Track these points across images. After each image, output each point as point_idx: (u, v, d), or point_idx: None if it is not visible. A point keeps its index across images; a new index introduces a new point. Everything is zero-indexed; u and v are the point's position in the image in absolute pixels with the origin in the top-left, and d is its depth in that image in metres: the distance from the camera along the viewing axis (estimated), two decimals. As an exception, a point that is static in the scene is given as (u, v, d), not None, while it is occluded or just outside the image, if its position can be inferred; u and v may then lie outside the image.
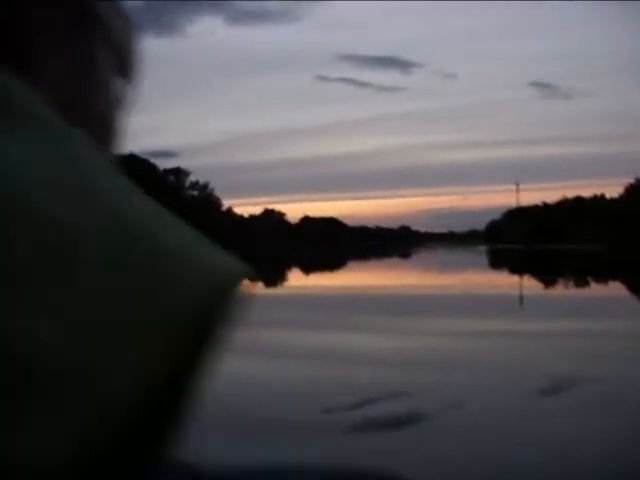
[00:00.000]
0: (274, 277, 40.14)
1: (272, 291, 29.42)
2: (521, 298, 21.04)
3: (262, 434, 6.17)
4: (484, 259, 63.61)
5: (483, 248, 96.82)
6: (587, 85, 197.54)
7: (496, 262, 57.65)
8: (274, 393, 8.05)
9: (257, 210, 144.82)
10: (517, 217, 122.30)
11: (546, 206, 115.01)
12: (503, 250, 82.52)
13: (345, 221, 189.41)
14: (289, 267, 55.51)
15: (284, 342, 12.48)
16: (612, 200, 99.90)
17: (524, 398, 7.36)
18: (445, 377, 8.77)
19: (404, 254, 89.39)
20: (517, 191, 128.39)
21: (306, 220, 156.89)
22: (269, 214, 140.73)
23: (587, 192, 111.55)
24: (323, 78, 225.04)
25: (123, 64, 0.46)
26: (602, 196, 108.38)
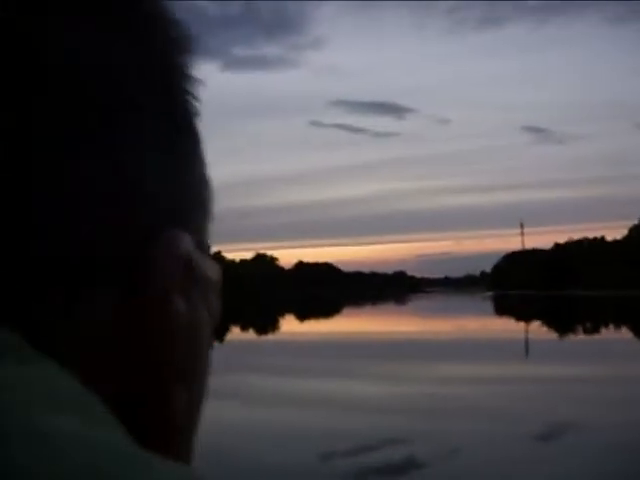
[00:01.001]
0: (267, 324, 40.21)
1: (266, 338, 29.50)
2: (527, 347, 21.18)
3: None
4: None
5: (488, 294, 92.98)
6: (579, 129, 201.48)
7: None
8: (269, 440, 8.21)
9: (249, 255, 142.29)
10: (523, 261, 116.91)
11: (558, 248, 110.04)
12: (512, 297, 77.94)
13: (340, 266, 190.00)
14: (283, 313, 55.55)
15: (278, 389, 12.63)
16: (618, 242, 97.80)
17: (520, 444, 7.53)
18: (442, 424, 8.94)
19: (400, 300, 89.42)
20: (522, 234, 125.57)
21: (300, 265, 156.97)
22: (261, 259, 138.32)
23: (579, 236, 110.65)
24: (317, 124, 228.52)
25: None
26: (603, 238, 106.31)
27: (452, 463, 6.87)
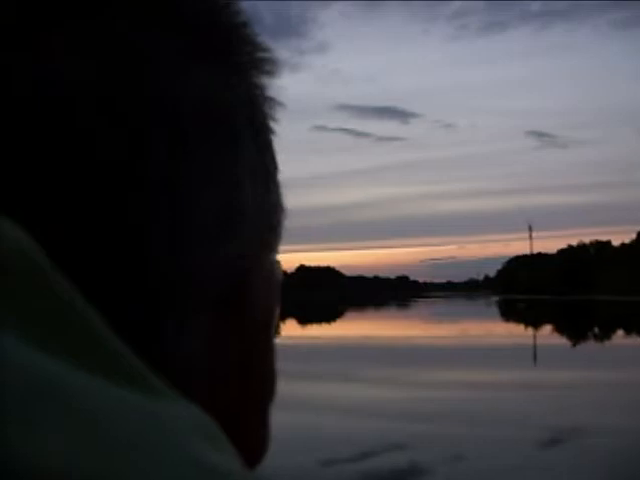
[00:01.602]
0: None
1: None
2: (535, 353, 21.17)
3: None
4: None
5: (494, 299, 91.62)
6: (584, 134, 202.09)
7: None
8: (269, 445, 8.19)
9: None
10: (531, 264, 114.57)
11: (567, 251, 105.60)
12: (520, 302, 76.21)
13: (342, 271, 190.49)
14: (284, 317, 55.52)
15: (278, 394, 12.60)
16: (626, 246, 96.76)
17: (525, 450, 7.53)
18: (446, 429, 8.95)
19: (402, 304, 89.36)
20: (530, 237, 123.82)
21: (302, 269, 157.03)
22: None
23: (585, 240, 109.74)
24: (321, 128, 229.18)
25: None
26: (609, 243, 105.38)
27: (455, 469, 6.87)
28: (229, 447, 0.30)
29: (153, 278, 0.33)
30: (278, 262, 0.43)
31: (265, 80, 0.42)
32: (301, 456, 7.57)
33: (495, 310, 61.42)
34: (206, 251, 0.36)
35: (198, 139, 0.36)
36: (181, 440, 0.27)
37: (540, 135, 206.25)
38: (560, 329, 32.27)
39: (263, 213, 0.41)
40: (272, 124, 0.43)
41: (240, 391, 0.39)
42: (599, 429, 8.46)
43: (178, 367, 0.34)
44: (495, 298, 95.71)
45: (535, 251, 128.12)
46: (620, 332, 29.46)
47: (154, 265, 0.34)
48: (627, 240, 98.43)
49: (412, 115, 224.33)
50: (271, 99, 0.42)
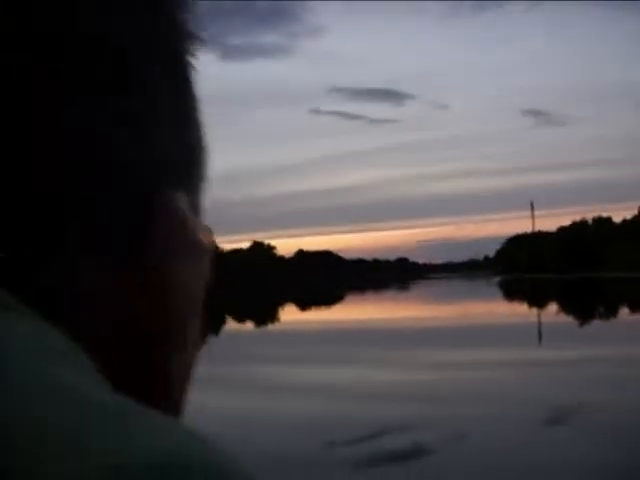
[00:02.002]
0: (266, 314, 40.28)
1: (266, 328, 29.63)
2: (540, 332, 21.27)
3: (263, 469, 6.41)
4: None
5: (496, 279, 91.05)
6: (580, 111, 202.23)
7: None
8: (272, 429, 8.32)
9: (245, 244, 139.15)
10: (533, 243, 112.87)
11: (577, 226, 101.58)
12: (524, 281, 74.91)
13: (341, 254, 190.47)
14: (284, 302, 55.72)
15: (281, 378, 12.75)
16: (628, 222, 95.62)
17: (527, 428, 7.63)
18: (448, 409, 9.05)
19: (403, 286, 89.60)
20: (532, 216, 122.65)
21: (301, 254, 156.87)
22: (258, 247, 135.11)
23: (584, 217, 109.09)
24: (316, 111, 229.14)
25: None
26: (610, 219, 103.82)
27: (458, 449, 6.96)
28: (94, 374, 0.31)
29: (44, 211, 0.33)
30: (197, 205, 0.43)
31: (183, 15, 0.41)
32: (305, 439, 7.67)
33: (497, 290, 61.57)
34: (106, 186, 0.36)
35: (105, 78, 0.35)
36: (28, 355, 0.27)
37: (536, 114, 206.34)
38: (564, 308, 32.36)
39: (176, 152, 0.41)
40: (191, 59, 0.43)
41: (141, 332, 0.38)
42: (602, 405, 8.57)
43: (68, 302, 0.34)
44: (497, 278, 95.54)
45: (536, 230, 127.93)
46: (624, 309, 29.54)
47: (45, 198, 0.33)
48: (629, 216, 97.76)
49: (406, 96, 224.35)
50: (189, 34, 0.42)
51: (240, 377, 13.20)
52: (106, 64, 0.36)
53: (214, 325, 30.84)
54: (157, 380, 0.39)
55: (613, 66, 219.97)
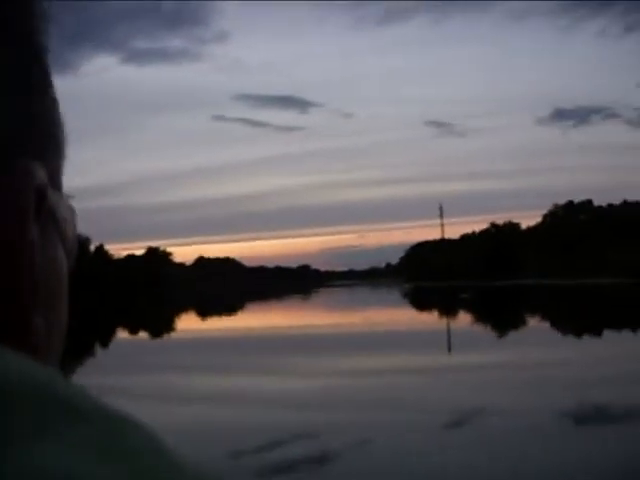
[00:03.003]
0: (163, 323, 39.82)
1: (163, 338, 29.34)
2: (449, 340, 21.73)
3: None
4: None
5: (403, 287, 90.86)
6: (481, 123, 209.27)
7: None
8: (175, 439, 8.30)
9: (140, 251, 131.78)
10: (447, 249, 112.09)
11: (486, 232, 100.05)
12: (431, 289, 73.92)
13: (243, 262, 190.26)
14: (183, 311, 55.20)
15: (182, 387, 12.73)
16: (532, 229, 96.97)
17: (429, 433, 7.91)
18: (352, 416, 9.27)
19: (305, 293, 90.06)
20: (442, 224, 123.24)
21: (201, 261, 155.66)
22: (153, 254, 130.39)
23: (484, 227, 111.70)
24: (220, 118, 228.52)
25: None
26: (519, 225, 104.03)
27: (362, 455, 7.15)
28: None
29: None
30: (57, 180, 0.44)
31: None
32: (209, 448, 7.72)
33: (399, 297, 62.53)
34: None
35: None
36: None
37: (439, 125, 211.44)
38: (470, 316, 33.19)
39: (22, 118, 0.41)
40: (43, 37, 0.42)
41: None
42: (500, 410, 8.95)
43: None
44: (406, 285, 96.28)
45: (438, 237, 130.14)
46: (534, 318, 30.47)
47: None
48: (533, 223, 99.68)
49: (311, 104, 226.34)
50: (40, 12, 0.42)
51: (135, 387, 13.10)
52: None
53: (104, 336, 30.39)
54: (17, 328, 0.39)
55: (513, 80, 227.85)
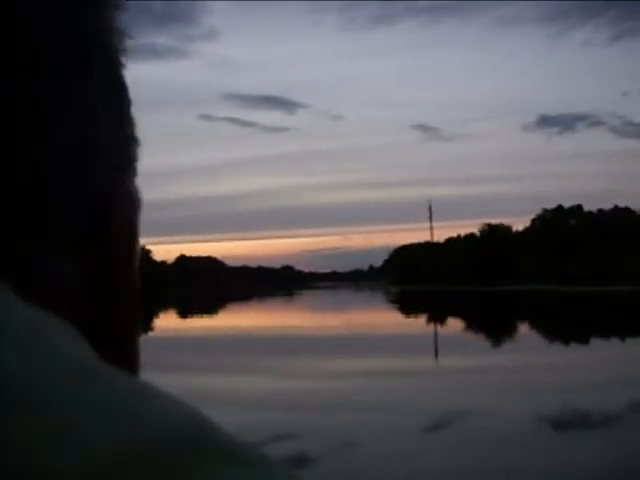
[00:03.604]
0: (142, 323, 39.72)
1: (144, 336, 29.38)
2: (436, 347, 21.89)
3: None
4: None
5: (393, 290, 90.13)
6: (468, 128, 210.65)
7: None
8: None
9: None
10: (435, 252, 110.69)
11: (489, 232, 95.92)
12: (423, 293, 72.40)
13: (225, 261, 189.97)
14: (163, 310, 55.14)
15: (161, 387, 12.79)
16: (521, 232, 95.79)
17: (409, 435, 8.06)
18: (333, 418, 9.41)
19: (287, 294, 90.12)
20: (431, 227, 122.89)
21: (182, 260, 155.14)
22: None
23: (468, 231, 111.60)
24: (207, 117, 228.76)
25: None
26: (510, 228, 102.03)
27: (342, 457, 7.29)
28: (89, 347, 0.34)
29: (12, 216, 0.34)
30: (135, 191, 0.45)
31: (113, 11, 0.42)
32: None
33: (383, 299, 62.64)
34: (64, 187, 0.37)
35: (49, 73, 0.36)
36: (42, 332, 0.30)
37: (425, 129, 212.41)
38: (455, 320, 33.39)
39: (118, 147, 0.43)
40: (122, 57, 0.43)
41: (110, 317, 0.40)
42: (481, 413, 9.12)
43: (49, 302, 0.35)
44: (393, 289, 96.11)
45: (423, 240, 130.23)
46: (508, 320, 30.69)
47: (11, 203, 0.35)
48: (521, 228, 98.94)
49: (298, 105, 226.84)
50: (120, 30, 0.43)
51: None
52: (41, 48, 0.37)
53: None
54: (126, 357, 0.42)
55: (501, 86, 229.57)
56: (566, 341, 19.73)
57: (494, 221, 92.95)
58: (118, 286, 0.40)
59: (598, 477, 6.30)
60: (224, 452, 0.29)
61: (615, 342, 19.26)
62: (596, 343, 19.20)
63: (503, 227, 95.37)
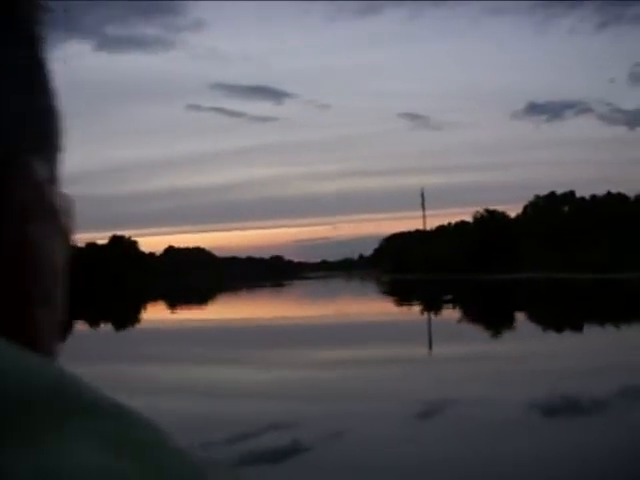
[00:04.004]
0: (129, 315, 39.80)
1: (129, 330, 29.44)
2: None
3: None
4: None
5: (384, 279, 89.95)
6: (456, 118, 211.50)
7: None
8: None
9: (103, 240, 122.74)
10: (428, 240, 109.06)
11: (485, 219, 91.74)
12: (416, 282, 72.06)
13: (214, 252, 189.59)
14: (152, 301, 55.17)
15: (152, 378, 12.91)
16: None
17: (400, 424, 8.18)
18: (325, 408, 9.53)
19: (277, 285, 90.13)
20: (424, 215, 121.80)
21: (171, 251, 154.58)
22: (117, 243, 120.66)
23: (456, 219, 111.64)
24: (195, 107, 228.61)
25: None
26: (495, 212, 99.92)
27: (334, 446, 7.39)
28: None
29: None
30: (55, 174, 0.45)
31: None
32: (180, 439, 7.92)
33: (376, 289, 62.76)
34: None
35: None
36: None
37: (413, 117, 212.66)
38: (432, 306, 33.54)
39: (30, 118, 0.42)
40: (40, 31, 0.43)
41: (5, 295, 0.40)
42: (474, 400, 9.26)
43: None
44: (384, 278, 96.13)
45: (413, 229, 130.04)
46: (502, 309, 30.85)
47: None
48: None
49: (286, 95, 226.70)
50: (36, 4, 0.42)
51: (104, 378, 13.26)
52: None
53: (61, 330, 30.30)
54: (20, 325, 0.41)
55: (488, 76, 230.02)
56: (566, 329, 19.79)
57: (485, 209, 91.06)
58: (6, 276, 0.40)
59: (592, 464, 6.42)
60: (87, 405, 0.30)
61: (614, 329, 19.40)
62: (595, 330, 19.32)
63: (499, 213, 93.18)
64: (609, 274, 50.04)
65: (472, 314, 27.81)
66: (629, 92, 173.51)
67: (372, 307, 35.98)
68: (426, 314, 29.60)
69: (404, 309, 34.27)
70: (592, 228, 75.38)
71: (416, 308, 34.08)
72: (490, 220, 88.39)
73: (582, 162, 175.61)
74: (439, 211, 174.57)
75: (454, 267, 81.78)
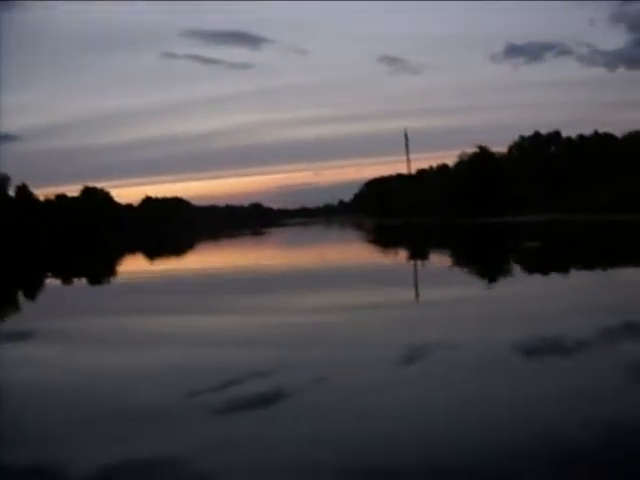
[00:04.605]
0: (106, 268, 39.83)
1: (104, 284, 29.51)
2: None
3: (126, 423, 6.81)
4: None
5: (368, 224, 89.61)
6: (434, 60, 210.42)
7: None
8: (131, 381, 8.70)
9: (75, 192, 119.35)
10: (416, 183, 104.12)
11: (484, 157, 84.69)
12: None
13: (192, 201, 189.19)
14: (126, 255, 55.15)
15: (134, 329, 13.05)
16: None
17: (385, 369, 8.37)
18: (309, 354, 9.71)
19: (256, 233, 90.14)
20: (408, 159, 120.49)
21: (148, 201, 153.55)
22: (90, 194, 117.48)
23: (435, 163, 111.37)
24: (170, 55, 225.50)
25: None
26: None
27: (318, 392, 7.57)
28: None
29: None
30: None
31: None
32: (164, 389, 8.09)
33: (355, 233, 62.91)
34: None
35: None
36: None
37: (392, 60, 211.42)
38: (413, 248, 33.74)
39: None
40: None
41: None
42: (458, 343, 9.46)
43: None
44: (367, 222, 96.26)
45: (395, 173, 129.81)
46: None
47: None
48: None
49: (263, 40, 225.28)
50: None
51: (82, 331, 13.39)
52: None
53: (31, 284, 30.35)
54: None
55: (468, 18, 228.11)
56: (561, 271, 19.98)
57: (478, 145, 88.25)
58: None
59: (576, 404, 6.62)
60: None
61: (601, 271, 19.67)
62: (585, 273, 19.56)
63: (490, 152, 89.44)
64: (605, 215, 50.02)
65: (460, 259, 28.01)
66: (609, 33, 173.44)
67: (353, 253, 36.08)
68: (412, 260, 29.77)
69: (389, 255, 34.42)
70: (582, 168, 74.79)
71: (402, 253, 34.27)
72: (480, 160, 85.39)
73: (563, 104, 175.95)
74: (421, 155, 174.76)
75: (440, 210, 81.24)
